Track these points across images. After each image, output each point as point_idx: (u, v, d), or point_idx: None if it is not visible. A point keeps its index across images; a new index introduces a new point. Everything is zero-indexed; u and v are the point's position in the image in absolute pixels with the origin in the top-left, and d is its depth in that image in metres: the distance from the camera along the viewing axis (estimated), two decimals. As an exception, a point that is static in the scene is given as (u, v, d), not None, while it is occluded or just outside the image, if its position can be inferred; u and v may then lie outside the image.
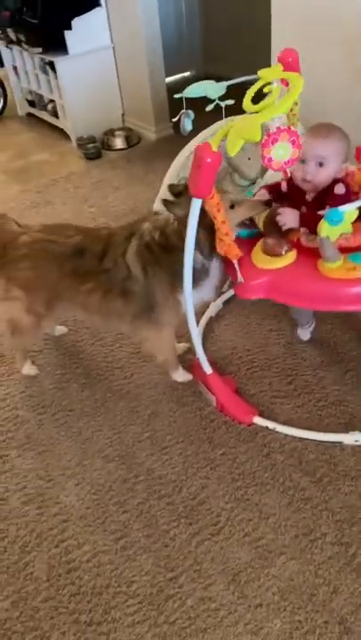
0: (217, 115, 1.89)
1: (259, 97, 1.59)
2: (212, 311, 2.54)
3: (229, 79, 1.85)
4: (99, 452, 2.03)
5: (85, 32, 3.95)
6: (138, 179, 3.76)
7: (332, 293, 1.64)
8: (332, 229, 1.50)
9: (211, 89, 1.85)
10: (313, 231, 1.61)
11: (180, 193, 1.80)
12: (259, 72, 1.58)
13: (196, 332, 1.96)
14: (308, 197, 1.75)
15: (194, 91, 1.84)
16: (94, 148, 4.10)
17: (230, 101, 1.82)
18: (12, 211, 3.45)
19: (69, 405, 2.21)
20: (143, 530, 1.78)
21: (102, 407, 2.19)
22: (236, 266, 1.71)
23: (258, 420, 2.04)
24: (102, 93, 4.20)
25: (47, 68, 4.16)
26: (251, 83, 1.63)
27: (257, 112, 1.49)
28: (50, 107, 4.45)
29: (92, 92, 4.13)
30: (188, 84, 1.85)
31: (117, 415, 2.15)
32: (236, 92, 1.72)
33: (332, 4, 2.52)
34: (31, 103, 4.74)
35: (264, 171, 2.31)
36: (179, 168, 2.29)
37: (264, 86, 1.58)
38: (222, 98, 1.84)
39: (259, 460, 1.94)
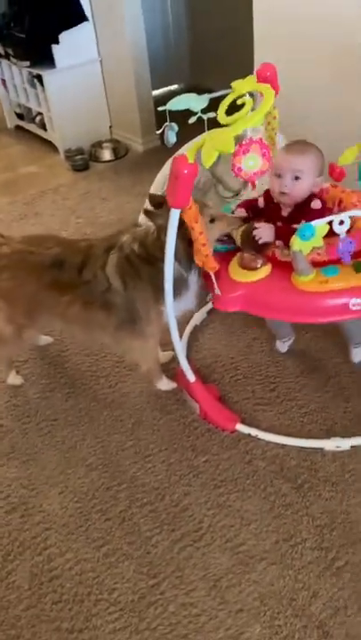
0: (201, 127, 1.92)
1: (236, 109, 1.62)
2: (196, 320, 2.56)
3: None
4: (82, 461, 2.04)
5: (73, 46, 3.98)
6: (125, 190, 3.79)
7: (304, 306, 1.67)
8: (303, 244, 1.54)
9: (194, 101, 1.87)
10: (288, 245, 1.65)
11: (161, 204, 1.83)
12: (232, 84, 1.62)
13: (178, 343, 1.98)
14: (284, 212, 1.80)
15: (177, 104, 1.87)
16: (82, 160, 4.13)
17: (213, 114, 1.85)
18: (1, 223, 3.48)
19: (54, 415, 2.22)
20: (125, 537, 1.79)
21: (86, 416, 2.20)
22: (213, 279, 1.74)
23: (240, 428, 2.06)
24: (90, 106, 4.24)
25: (35, 81, 4.19)
26: (232, 95, 1.67)
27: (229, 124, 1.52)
28: (38, 119, 4.48)
29: (80, 105, 4.17)
30: (175, 97, 1.88)
31: (101, 424, 2.16)
32: (219, 105, 1.76)
33: (314, 18, 2.56)
34: (20, 116, 4.78)
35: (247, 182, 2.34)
36: (164, 180, 2.32)
37: (238, 98, 1.62)
38: (205, 110, 1.88)
39: (241, 467, 1.95)
